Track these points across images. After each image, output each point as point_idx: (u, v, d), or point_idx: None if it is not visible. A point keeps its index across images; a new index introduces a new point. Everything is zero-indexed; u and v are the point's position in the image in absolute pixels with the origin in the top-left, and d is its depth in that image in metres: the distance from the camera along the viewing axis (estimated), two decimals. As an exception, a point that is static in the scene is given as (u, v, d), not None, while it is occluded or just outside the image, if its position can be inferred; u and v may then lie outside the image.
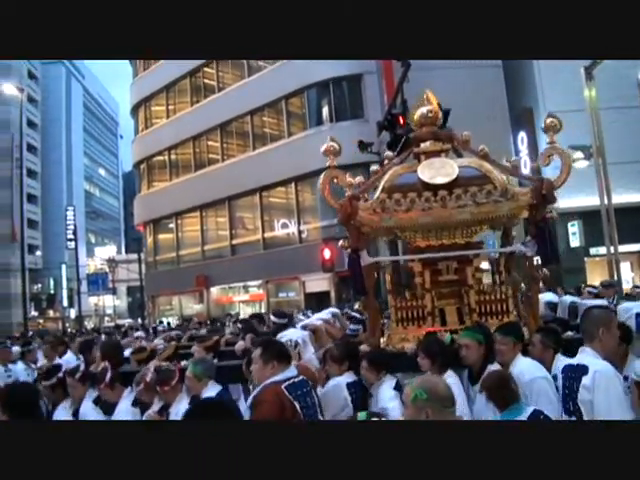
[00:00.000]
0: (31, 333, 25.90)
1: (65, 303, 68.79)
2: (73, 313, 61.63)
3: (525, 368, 3.87)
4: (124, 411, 4.41)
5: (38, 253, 72.27)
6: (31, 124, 71.99)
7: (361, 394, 4.26)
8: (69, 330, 34.48)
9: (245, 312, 27.15)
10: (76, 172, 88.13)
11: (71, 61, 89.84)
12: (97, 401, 4.60)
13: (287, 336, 4.90)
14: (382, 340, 5.12)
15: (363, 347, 4.82)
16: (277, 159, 26.24)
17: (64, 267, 68.31)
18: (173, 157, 34.12)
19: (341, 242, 5.34)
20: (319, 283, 25.00)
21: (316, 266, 21.88)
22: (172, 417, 4.00)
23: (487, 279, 6.08)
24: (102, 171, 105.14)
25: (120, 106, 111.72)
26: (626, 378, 4.20)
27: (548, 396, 3.70)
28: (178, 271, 32.26)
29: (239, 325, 9.92)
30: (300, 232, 26.64)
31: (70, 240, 64.03)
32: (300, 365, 4.24)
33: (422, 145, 5.38)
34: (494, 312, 4.98)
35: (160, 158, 35.08)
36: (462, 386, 4.05)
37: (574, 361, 3.49)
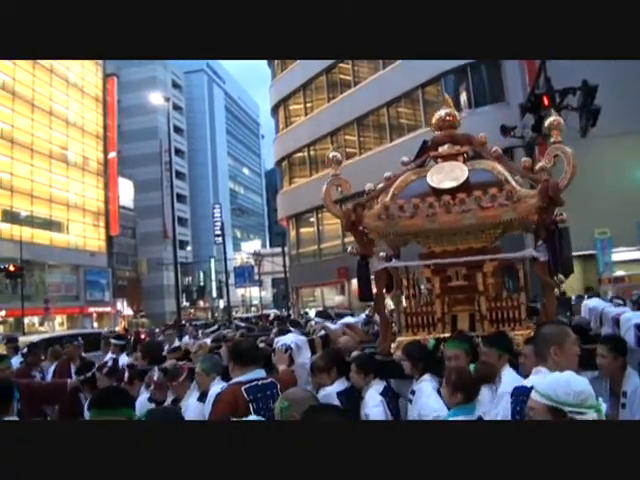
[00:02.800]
0: (183, 322, 28.01)
1: (214, 294, 72.90)
2: (222, 303, 65.12)
3: (508, 382, 3.64)
4: (140, 405, 4.70)
5: (188, 248, 77.18)
6: (178, 130, 76.94)
7: (354, 400, 4.26)
8: (217, 319, 36.57)
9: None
10: (221, 172, 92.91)
11: (212, 68, 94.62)
12: None
13: (282, 340, 4.93)
14: (393, 345, 4.95)
15: (354, 352, 4.77)
16: (414, 149, 26.12)
17: (213, 261, 72.49)
18: (312, 153, 35.05)
19: (350, 248, 5.26)
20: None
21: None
22: (182, 410, 4.26)
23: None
24: (246, 170, 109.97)
25: (260, 107, 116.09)
26: (625, 394, 3.96)
27: None
28: (320, 263, 33.04)
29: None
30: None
31: (217, 236, 67.87)
32: (284, 370, 4.41)
33: (440, 148, 5.24)
34: (506, 319, 4.73)
35: (300, 155, 36.18)
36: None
37: (530, 383, 2.83)
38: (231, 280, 54.46)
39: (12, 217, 45.82)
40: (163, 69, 76.96)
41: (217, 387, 4.30)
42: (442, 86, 26.12)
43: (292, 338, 5.02)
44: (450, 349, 4.05)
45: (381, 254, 5.42)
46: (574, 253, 18.54)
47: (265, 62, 41.12)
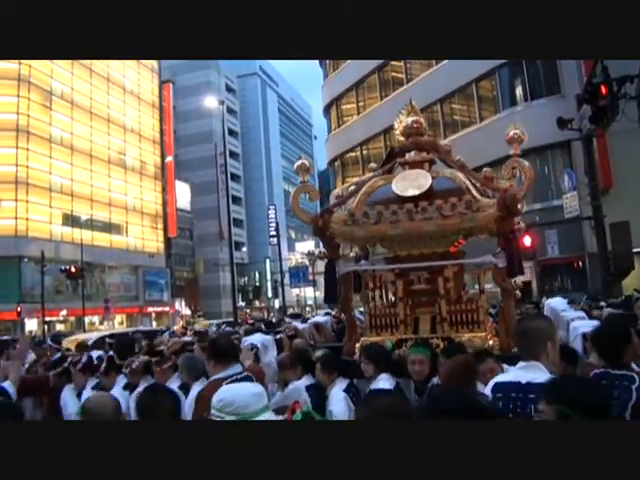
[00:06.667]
0: (239, 321, 28.46)
1: (270, 294, 73.52)
2: (277, 303, 65.65)
3: None
4: (116, 394, 4.98)
5: (244, 249, 78.18)
6: (232, 133, 78.02)
7: (320, 395, 4.45)
8: (273, 319, 36.99)
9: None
10: (275, 174, 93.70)
11: (264, 71, 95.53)
12: (96, 387, 5.25)
13: (249, 340, 5.20)
14: (357, 345, 5.09)
15: (318, 352, 4.98)
16: (468, 145, 25.69)
17: (268, 261, 73.09)
18: (365, 152, 34.91)
19: (317, 251, 5.40)
20: (519, 273, 23.84)
21: (516, 255, 20.42)
22: None
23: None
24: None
25: (313, 108, 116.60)
26: None
27: None
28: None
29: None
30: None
31: (272, 236, 68.45)
32: (251, 366, 4.67)
33: (406, 155, 5.43)
34: (465, 322, 4.90)
35: (352, 154, 36.10)
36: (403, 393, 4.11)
37: (518, 378, 2.90)
38: (286, 280, 54.79)
39: (73, 221, 47.45)
40: (217, 74, 78.18)
41: (199, 387, 4.51)
42: (497, 80, 25.61)
43: (259, 338, 5.33)
44: (414, 354, 4.28)
45: (351, 255, 5.82)
46: (635, 250, 17.52)
47: (317, 63, 41.21)
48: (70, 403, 5.22)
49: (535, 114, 22.53)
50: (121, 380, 5.20)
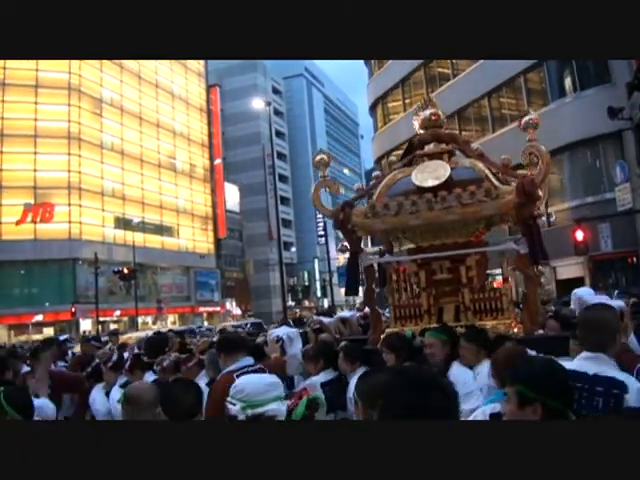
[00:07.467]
0: (290, 320, 28.68)
1: (319, 294, 73.72)
2: (326, 303, 65.83)
3: (485, 372, 3.71)
4: None
5: (293, 249, 78.62)
6: (279, 134, 78.56)
7: (338, 391, 4.42)
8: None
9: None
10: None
11: (310, 72, 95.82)
12: (125, 385, 5.16)
13: (275, 332, 5.27)
14: (382, 337, 5.04)
15: (343, 342, 5.00)
16: (518, 139, 25.11)
17: (316, 261, 73.34)
18: (411, 149, 34.63)
19: (340, 245, 5.69)
20: (571, 269, 22.96)
21: (567, 250, 19.01)
22: None
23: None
24: (346, 170, 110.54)
25: (358, 107, 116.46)
26: None
27: None
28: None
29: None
30: (548, 215, 25.22)
31: (321, 236, 68.60)
32: (275, 358, 4.84)
33: (425, 147, 5.48)
34: (488, 310, 4.95)
35: (399, 152, 35.84)
36: None
37: (584, 369, 2.87)
38: (335, 280, 54.82)
39: (125, 224, 48.62)
40: (263, 76, 78.88)
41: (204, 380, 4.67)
42: (545, 71, 24.94)
43: (284, 330, 5.39)
44: (428, 338, 4.36)
45: (375, 249, 5.96)
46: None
47: (362, 62, 41.10)
48: (98, 400, 5.34)
49: (585, 104, 21.94)
50: (149, 377, 5.25)
